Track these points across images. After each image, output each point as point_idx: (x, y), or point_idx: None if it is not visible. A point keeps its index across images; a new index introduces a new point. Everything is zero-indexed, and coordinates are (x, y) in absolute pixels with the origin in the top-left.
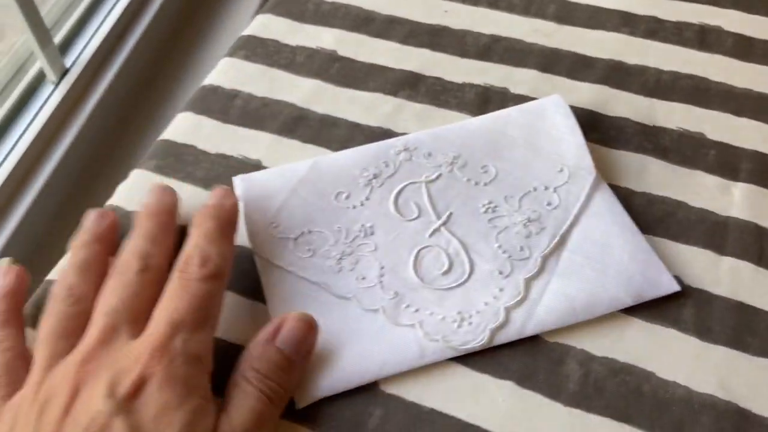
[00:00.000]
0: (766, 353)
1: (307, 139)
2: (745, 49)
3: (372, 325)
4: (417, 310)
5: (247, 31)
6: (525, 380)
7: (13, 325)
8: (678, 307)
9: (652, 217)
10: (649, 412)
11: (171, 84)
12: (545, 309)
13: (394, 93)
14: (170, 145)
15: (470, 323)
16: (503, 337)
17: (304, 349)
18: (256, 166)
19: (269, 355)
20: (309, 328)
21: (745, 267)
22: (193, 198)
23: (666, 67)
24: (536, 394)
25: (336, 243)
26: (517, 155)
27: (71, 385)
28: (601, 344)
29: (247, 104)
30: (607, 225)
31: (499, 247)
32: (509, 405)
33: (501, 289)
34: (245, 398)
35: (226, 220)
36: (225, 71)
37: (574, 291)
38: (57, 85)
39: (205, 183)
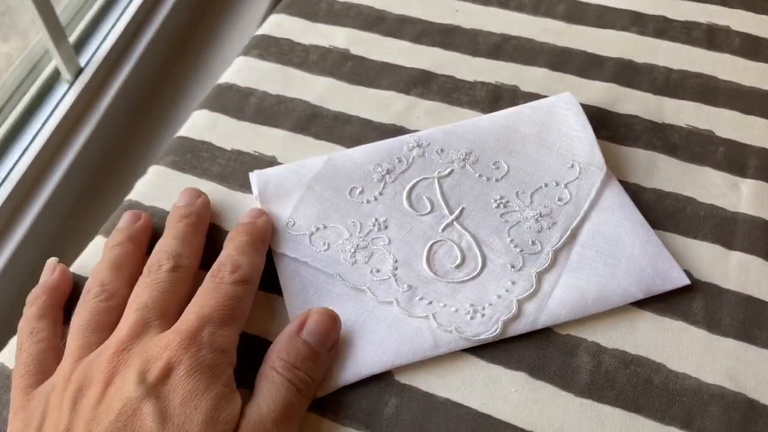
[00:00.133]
0: None
1: (320, 136)
2: (753, 48)
3: (386, 316)
4: (430, 303)
5: (260, 31)
6: (537, 371)
7: (50, 319)
8: (688, 301)
9: (661, 212)
10: (660, 402)
11: (183, 82)
12: (557, 302)
13: (406, 91)
14: (187, 141)
15: (483, 315)
16: (516, 329)
17: (328, 342)
18: (271, 162)
19: (297, 347)
20: (333, 321)
21: (754, 261)
22: (209, 193)
23: (675, 66)
24: (548, 385)
25: (350, 237)
26: (529, 151)
27: (105, 374)
28: (612, 336)
29: (262, 102)
30: (618, 220)
31: (511, 241)
32: (522, 395)
33: (513, 283)
34: (274, 388)
35: (257, 236)
36: (240, 70)
37: (586, 284)
38: (72, 83)
39: (221, 179)
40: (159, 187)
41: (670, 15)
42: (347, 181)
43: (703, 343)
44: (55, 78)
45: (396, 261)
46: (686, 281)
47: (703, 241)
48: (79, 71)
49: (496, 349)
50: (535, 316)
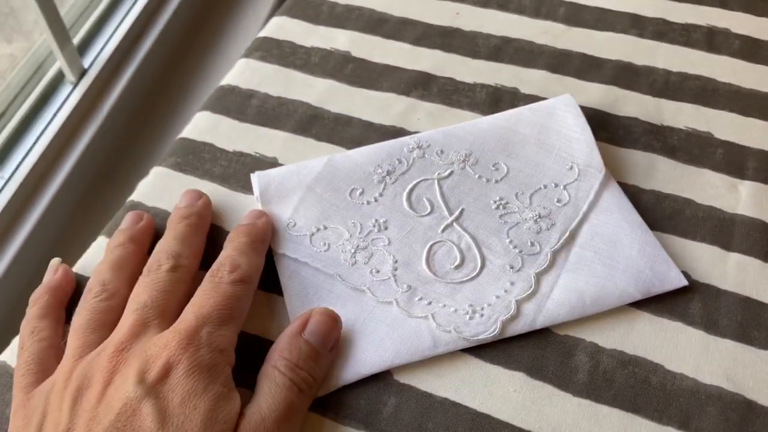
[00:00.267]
0: None
1: (321, 138)
2: (752, 50)
3: (386, 316)
4: (430, 303)
5: (263, 33)
6: (536, 371)
7: (52, 318)
8: (686, 302)
9: (660, 213)
10: (657, 402)
11: (186, 84)
12: (555, 302)
13: (406, 93)
14: (189, 143)
15: (482, 315)
16: (514, 330)
17: (330, 342)
18: (272, 163)
19: (299, 346)
20: (334, 322)
21: (752, 262)
22: (210, 194)
23: (674, 68)
24: (547, 385)
25: (351, 238)
26: (528, 153)
27: (105, 374)
28: (611, 337)
29: (264, 104)
30: (616, 221)
31: (510, 242)
32: (520, 395)
33: (512, 283)
34: (276, 387)
35: (257, 237)
36: (242, 72)
37: (584, 285)
38: (76, 85)
39: (223, 180)
40: (161, 188)
41: (669, 18)
42: (348, 182)
43: (700, 344)
44: (58, 79)
45: (396, 261)
46: (684, 282)
47: (702, 243)
48: (83, 73)
49: (495, 349)
50: (534, 317)
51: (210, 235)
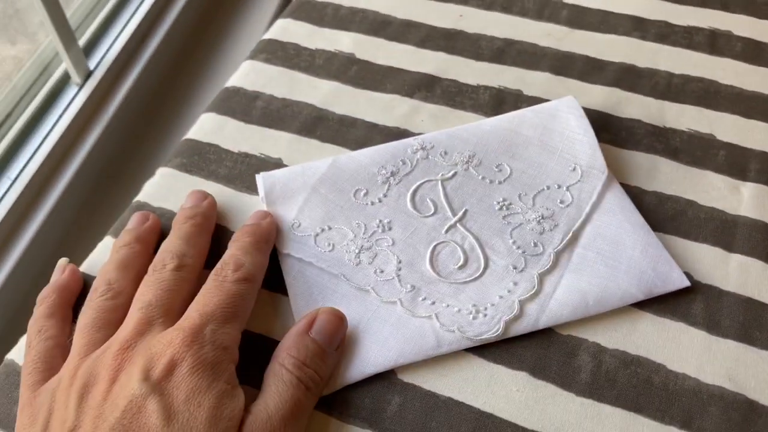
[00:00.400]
0: None
1: (326, 139)
2: (754, 53)
3: (390, 316)
4: (433, 303)
5: (267, 35)
6: (539, 371)
7: (58, 317)
8: (688, 302)
9: (662, 215)
10: (660, 402)
11: (191, 85)
12: (558, 303)
13: (410, 94)
14: (195, 144)
15: (485, 315)
16: (517, 329)
17: (336, 341)
18: (277, 164)
19: (306, 344)
20: (340, 321)
21: (754, 264)
22: (216, 195)
23: (676, 71)
24: (549, 385)
25: (355, 238)
26: (531, 154)
27: (110, 371)
28: (613, 337)
29: (269, 105)
30: (619, 222)
31: (513, 243)
32: (523, 395)
33: (515, 283)
34: (283, 385)
35: (261, 237)
36: (247, 73)
37: (587, 285)
38: (81, 86)
39: (228, 180)
40: (167, 188)
41: (671, 20)
42: (352, 183)
43: (702, 344)
44: (64, 81)
45: (400, 262)
46: (686, 283)
47: (704, 244)
48: (89, 74)
49: (498, 349)
50: (537, 317)
51: (215, 236)
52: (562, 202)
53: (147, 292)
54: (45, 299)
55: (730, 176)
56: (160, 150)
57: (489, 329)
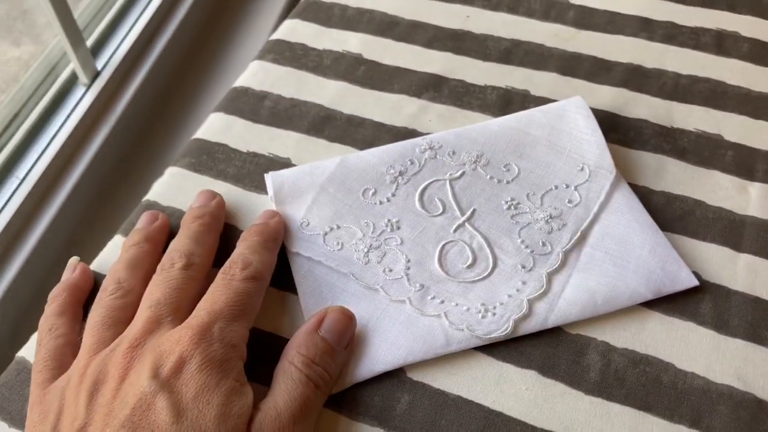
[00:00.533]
0: None
1: (334, 139)
2: (761, 53)
3: (399, 314)
4: (442, 302)
5: (275, 36)
6: (547, 370)
7: (69, 316)
8: (696, 302)
9: (671, 215)
10: (668, 401)
11: (199, 85)
12: (567, 302)
13: (418, 94)
14: (203, 143)
15: (494, 314)
16: (526, 328)
17: (345, 339)
18: (285, 164)
19: (315, 342)
20: (349, 320)
21: (762, 263)
22: (224, 194)
23: (684, 71)
24: (558, 383)
25: (363, 237)
26: (540, 154)
27: (119, 369)
28: (622, 336)
29: (277, 105)
30: (627, 222)
31: (522, 242)
32: (532, 393)
33: (524, 283)
34: (292, 383)
35: (269, 236)
36: (255, 74)
37: (595, 285)
38: (89, 87)
39: (237, 180)
40: (176, 187)
41: (678, 21)
42: (360, 182)
43: (711, 344)
44: (72, 81)
45: (408, 261)
46: (695, 282)
47: (712, 243)
48: (96, 74)
49: (507, 348)
50: (546, 316)
51: (224, 235)
52: (570, 201)
53: (156, 291)
54: (56, 297)
55: (737, 176)
56: (168, 150)
57: (498, 328)
